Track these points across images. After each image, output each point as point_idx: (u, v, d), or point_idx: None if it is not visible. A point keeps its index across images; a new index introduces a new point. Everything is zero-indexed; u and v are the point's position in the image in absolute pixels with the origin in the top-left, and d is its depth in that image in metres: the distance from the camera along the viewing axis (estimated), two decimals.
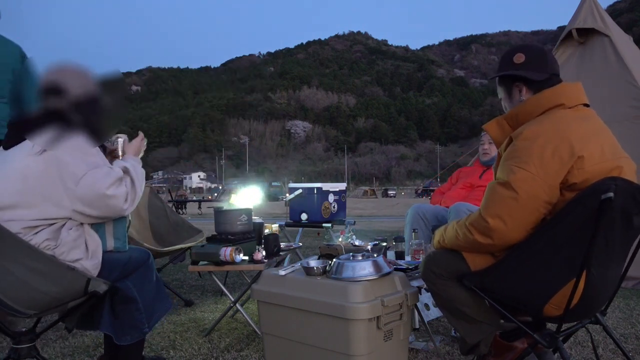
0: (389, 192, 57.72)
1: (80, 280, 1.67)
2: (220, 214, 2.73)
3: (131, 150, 2.01)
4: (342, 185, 3.95)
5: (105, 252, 1.83)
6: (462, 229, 1.64)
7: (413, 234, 2.47)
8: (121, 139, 2.07)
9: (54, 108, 1.76)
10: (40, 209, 1.66)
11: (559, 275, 1.50)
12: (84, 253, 1.72)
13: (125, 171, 1.82)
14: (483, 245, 1.60)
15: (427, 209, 3.04)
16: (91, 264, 1.73)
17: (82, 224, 1.75)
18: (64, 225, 1.70)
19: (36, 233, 1.66)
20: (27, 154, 1.69)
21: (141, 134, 2.11)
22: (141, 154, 2.07)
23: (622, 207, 1.40)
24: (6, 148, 1.78)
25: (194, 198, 28.55)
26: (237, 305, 2.68)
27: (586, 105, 1.64)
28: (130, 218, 2.02)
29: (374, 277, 1.81)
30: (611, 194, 1.30)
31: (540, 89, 1.64)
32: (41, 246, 1.64)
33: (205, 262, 2.58)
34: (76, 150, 1.71)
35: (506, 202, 1.50)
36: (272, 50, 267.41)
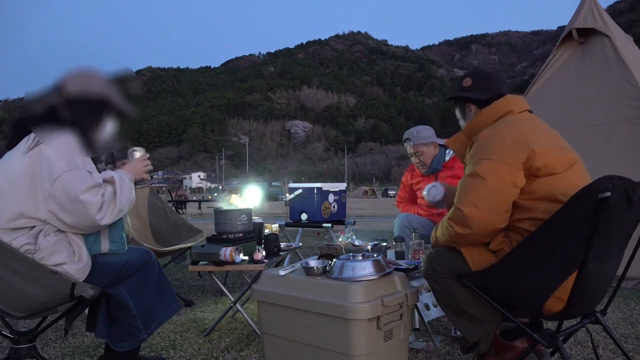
0: (389, 192, 57.62)
1: (64, 284, 1.65)
2: (220, 214, 2.73)
3: (128, 167, 1.91)
4: (342, 185, 3.95)
5: (100, 254, 1.80)
6: (444, 225, 1.74)
7: (413, 234, 2.46)
8: (138, 153, 1.99)
9: (50, 103, 1.75)
10: (18, 208, 1.63)
11: (558, 272, 1.51)
12: (67, 257, 1.68)
13: (110, 181, 1.73)
14: (465, 236, 1.67)
15: (414, 218, 3.03)
16: (75, 268, 1.69)
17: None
18: (41, 230, 1.67)
19: (15, 238, 1.64)
20: (19, 153, 1.69)
21: (143, 155, 1.99)
22: (144, 176, 1.94)
23: (618, 204, 1.41)
24: (9, 148, 1.78)
25: (194, 198, 28.54)
26: (237, 305, 2.68)
27: (530, 112, 1.85)
28: (128, 219, 1.98)
29: (374, 277, 1.81)
30: (608, 193, 1.31)
31: (487, 106, 1.85)
32: (21, 250, 1.62)
33: (205, 262, 2.58)
34: (62, 148, 1.67)
35: (476, 189, 1.63)
36: (272, 50, 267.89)
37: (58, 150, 1.66)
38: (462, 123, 2.00)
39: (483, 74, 1.96)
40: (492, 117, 1.80)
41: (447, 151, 3.11)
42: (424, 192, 2.21)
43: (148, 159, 2.00)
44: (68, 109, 1.75)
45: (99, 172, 1.77)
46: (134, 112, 1.92)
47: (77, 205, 1.62)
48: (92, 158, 1.80)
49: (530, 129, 1.70)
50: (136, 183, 1.90)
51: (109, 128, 1.87)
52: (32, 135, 1.72)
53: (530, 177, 1.62)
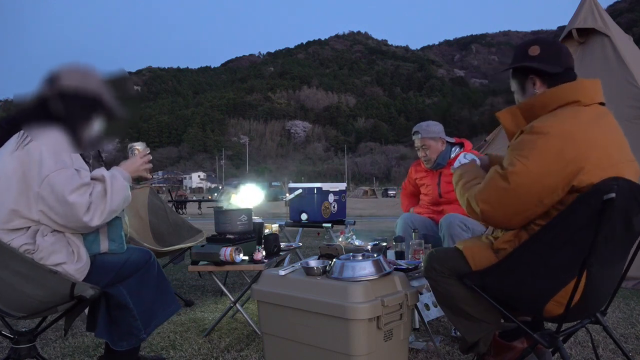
0: (389, 192, 57.71)
1: (64, 284, 1.65)
2: (220, 214, 2.73)
3: (126, 165, 1.85)
4: (342, 185, 3.95)
5: (99, 254, 1.80)
6: (463, 197, 1.70)
7: (413, 233, 2.47)
8: (138, 147, 1.93)
9: (43, 95, 1.74)
10: (13, 208, 1.62)
11: (560, 274, 1.50)
12: (67, 257, 1.68)
13: (100, 179, 1.69)
14: (475, 218, 1.66)
15: (417, 218, 3.04)
16: (74, 268, 1.68)
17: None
18: (38, 230, 1.66)
19: (14, 238, 1.63)
20: (7, 153, 1.68)
21: (143, 150, 1.92)
22: (144, 174, 1.88)
23: (624, 208, 1.40)
24: None
25: (194, 198, 28.55)
26: (237, 305, 2.68)
27: (602, 103, 1.62)
28: (126, 218, 1.95)
29: (374, 277, 1.81)
30: (613, 195, 1.30)
31: (555, 82, 1.62)
32: (20, 250, 1.62)
33: (205, 262, 2.58)
34: (51, 145, 1.64)
35: (498, 192, 1.54)
36: (272, 50, 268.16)
37: (47, 147, 1.64)
38: (518, 97, 1.78)
39: (552, 43, 1.71)
40: (555, 102, 1.57)
41: (453, 149, 3.13)
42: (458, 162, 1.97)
43: (149, 154, 1.94)
44: (61, 102, 1.73)
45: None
46: (125, 113, 1.90)
47: (65, 206, 1.60)
48: (83, 156, 1.78)
49: (588, 136, 1.47)
50: (137, 181, 1.87)
51: (98, 126, 1.85)
52: (22, 132, 1.70)
53: (568, 191, 1.47)
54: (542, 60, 1.66)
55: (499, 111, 1.71)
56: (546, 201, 1.48)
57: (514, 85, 1.79)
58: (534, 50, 1.68)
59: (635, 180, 1.51)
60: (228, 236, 2.67)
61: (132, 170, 1.86)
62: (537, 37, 1.83)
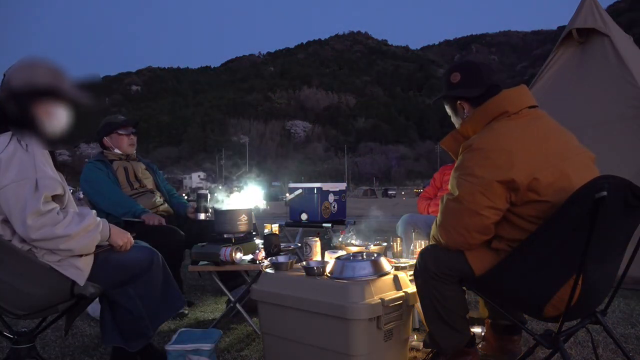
0: (389, 192, 57.92)
1: (64, 282, 1.64)
2: (220, 214, 2.73)
3: (116, 231, 1.84)
4: (342, 185, 3.95)
5: (105, 248, 1.81)
6: (432, 239, 1.78)
7: (413, 234, 2.46)
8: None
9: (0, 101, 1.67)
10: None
11: (558, 274, 1.51)
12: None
13: (82, 213, 1.68)
14: (450, 247, 1.71)
15: (419, 218, 3.04)
16: (77, 264, 1.67)
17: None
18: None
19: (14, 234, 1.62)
20: None
21: (126, 240, 1.88)
22: (118, 243, 1.84)
23: (616, 204, 1.41)
24: None
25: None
26: (237, 305, 2.68)
27: (533, 106, 1.71)
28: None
29: (374, 277, 1.81)
30: (604, 193, 1.30)
31: (480, 102, 1.73)
32: (24, 247, 1.61)
33: (205, 262, 2.57)
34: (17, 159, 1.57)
35: (455, 215, 1.63)
36: (272, 50, 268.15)
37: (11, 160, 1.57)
38: (454, 120, 1.90)
39: (471, 66, 1.83)
40: (484, 119, 1.69)
41: None
42: None
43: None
44: (15, 104, 1.65)
45: None
46: (90, 100, 1.78)
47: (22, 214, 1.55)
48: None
49: (521, 137, 1.59)
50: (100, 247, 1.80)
51: (63, 118, 1.75)
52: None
53: (519, 202, 1.56)
54: (464, 85, 1.79)
55: (442, 140, 1.82)
56: (500, 206, 1.56)
57: (448, 110, 1.92)
58: (455, 78, 1.81)
59: (591, 171, 1.61)
60: (228, 236, 2.67)
61: (117, 237, 1.84)
62: (458, 62, 1.97)
